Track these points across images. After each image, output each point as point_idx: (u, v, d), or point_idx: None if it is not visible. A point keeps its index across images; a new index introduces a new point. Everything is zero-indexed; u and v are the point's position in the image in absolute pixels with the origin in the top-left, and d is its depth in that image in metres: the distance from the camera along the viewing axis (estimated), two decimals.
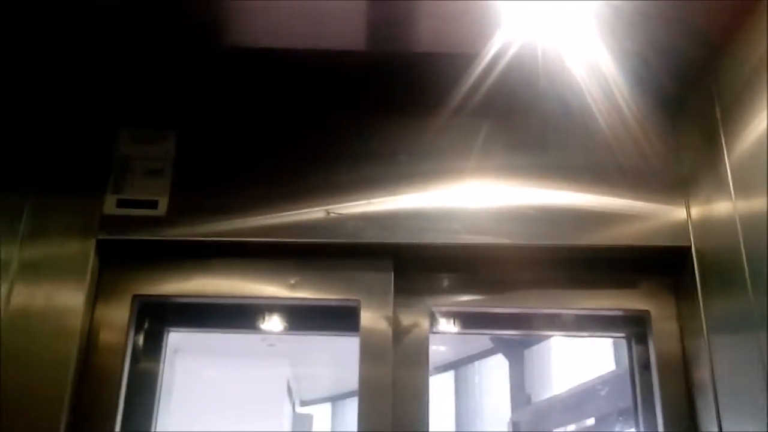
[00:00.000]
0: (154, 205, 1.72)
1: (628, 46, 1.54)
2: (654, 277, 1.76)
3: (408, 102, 1.79)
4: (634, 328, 1.80)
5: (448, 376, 5.61)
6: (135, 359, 1.71)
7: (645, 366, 1.75)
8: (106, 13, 1.52)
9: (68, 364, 1.57)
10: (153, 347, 1.78)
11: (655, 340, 1.71)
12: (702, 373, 1.60)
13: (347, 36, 1.59)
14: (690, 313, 1.67)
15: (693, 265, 1.64)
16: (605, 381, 3.58)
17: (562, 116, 1.77)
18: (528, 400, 4.60)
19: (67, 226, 1.69)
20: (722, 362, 1.52)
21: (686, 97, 1.72)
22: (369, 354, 1.66)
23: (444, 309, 1.81)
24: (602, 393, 3.58)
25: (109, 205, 1.72)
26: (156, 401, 1.74)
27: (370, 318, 1.68)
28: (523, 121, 1.81)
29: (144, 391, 1.72)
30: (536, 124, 1.81)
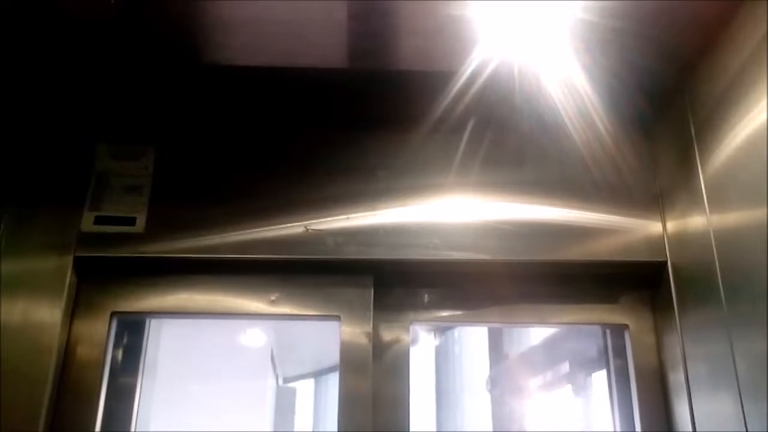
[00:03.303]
0: (131, 222, 1.71)
1: (603, 63, 1.54)
2: (632, 291, 1.78)
3: (387, 118, 1.79)
4: (613, 340, 1.82)
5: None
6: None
7: (624, 376, 1.76)
8: (85, 29, 1.51)
9: (45, 379, 1.57)
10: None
11: (633, 353, 1.73)
12: (678, 384, 1.62)
13: (326, 53, 1.57)
14: (666, 326, 1.69)
15: (669, 279, 1.67)
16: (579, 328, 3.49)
17: (539, 132, 1.79)
18: (506, 358, 4.54)
19: (44, 242, 1.68)
20: (697, 373, 1.55)
21: (661, 114, 1.73)
22: (349, 369, 1.66)
23: (425, 324, 1.81)
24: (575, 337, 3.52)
25: (87, 223, 1.71)
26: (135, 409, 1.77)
27: (350, 333, 1.69)
28: (500, 137, 1.81)
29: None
30: (513, 140, 1.81)
